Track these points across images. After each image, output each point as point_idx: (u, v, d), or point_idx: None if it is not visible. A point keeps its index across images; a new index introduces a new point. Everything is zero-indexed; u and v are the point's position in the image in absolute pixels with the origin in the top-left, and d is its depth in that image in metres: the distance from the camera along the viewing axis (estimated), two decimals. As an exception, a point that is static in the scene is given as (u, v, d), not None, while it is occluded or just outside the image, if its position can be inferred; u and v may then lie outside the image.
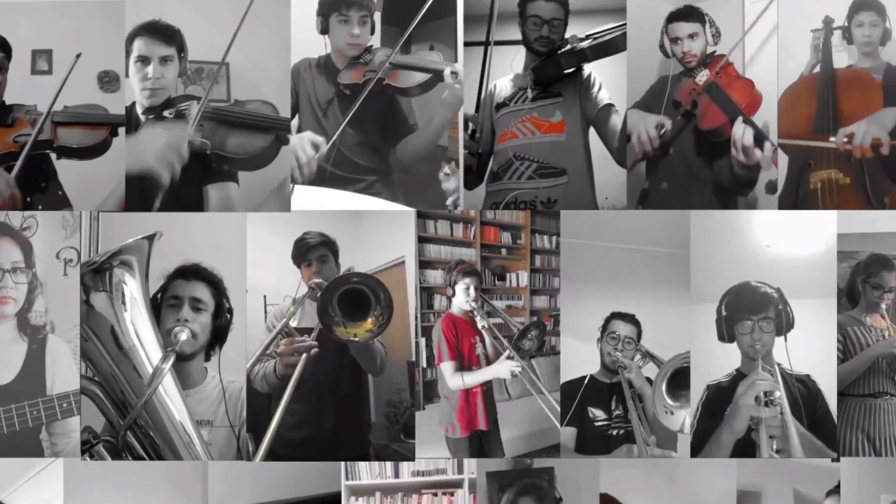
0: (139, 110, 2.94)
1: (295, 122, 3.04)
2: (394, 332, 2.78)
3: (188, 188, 2.88)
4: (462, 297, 3.17)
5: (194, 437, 2.54)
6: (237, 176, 2.98)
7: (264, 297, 3.04)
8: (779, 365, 2.72)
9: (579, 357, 3.03)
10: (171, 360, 2.47)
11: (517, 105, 3.12)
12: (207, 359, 2.76)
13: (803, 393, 2.75)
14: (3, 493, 2.78)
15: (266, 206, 2.97)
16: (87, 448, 2.56)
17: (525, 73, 3.13)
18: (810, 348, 2.85)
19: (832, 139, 2.91)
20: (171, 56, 2.93)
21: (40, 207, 2.87)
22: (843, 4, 2.99)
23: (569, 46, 3.08)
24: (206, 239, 2.88)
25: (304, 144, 2.96)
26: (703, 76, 3.00)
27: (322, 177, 3.03)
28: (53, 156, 2.90)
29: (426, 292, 3.61)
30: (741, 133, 2.88)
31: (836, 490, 2.92)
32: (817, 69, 3.01)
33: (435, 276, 3.64)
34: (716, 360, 2.85)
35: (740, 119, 2.90)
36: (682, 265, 2.94)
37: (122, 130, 2.92)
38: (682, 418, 2.84)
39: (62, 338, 2.81)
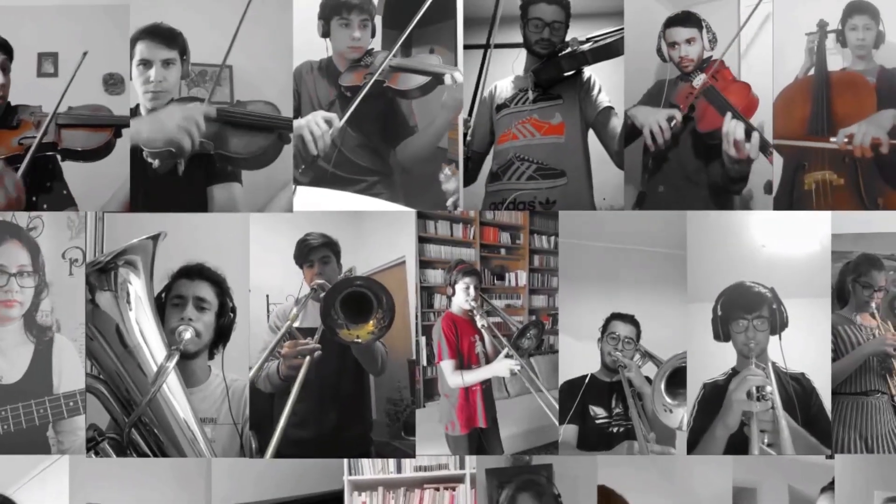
0: (143, 112, 2.94)
1: (296, 125, 3.04)
2: (394, 330, 2.78)
3: (192, 189, 2.88)
4: (462, 297, 3.17)
5: (198, 435, 2.55)
6: (240, 176, 2.98)
7: (267, 296, 3.04)
8: (773, 363, 2.73)
9: (577, 356, 3.04)
10: (176, 358, 2.46)
11: (518, 106, 3.12)
12: (211, 357, 2.76)
13: (798, 391, 2.76)
14: (10, 489, 2.78)
15: (271, 207, 2.98)
16: (93, 445, 2.56)
17: (526, 74, 3.13)
18: (805, 347, 2.86)
19: (833, 139, 2.91)
20: (174, 59, 2.93)
21: (45, 207, 2.87)
22: (836, 8, 3.00)
23: (569, 49, 3.08)
24: (210, 239, 2.89)
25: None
26: (699, 80, 3.00)
27: (324, 177, 3.03)
28: (59, 157, 2.90)
29: (426, 292, 3.62)
30: (732, 127, 2.88)
31: (830, 487, 2.93)
32: (812, 72, 3.02)
33: (435, 276, 3.65)
34: (713, 360, 2.86)
35: (729, 115, 2.90)
36: (678, 265, 2.95)
37: (125, 131, 2.92)
38: (681, 416, 2.86)
39: (68, 336, 2.80)
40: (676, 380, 2.91)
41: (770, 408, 2.59)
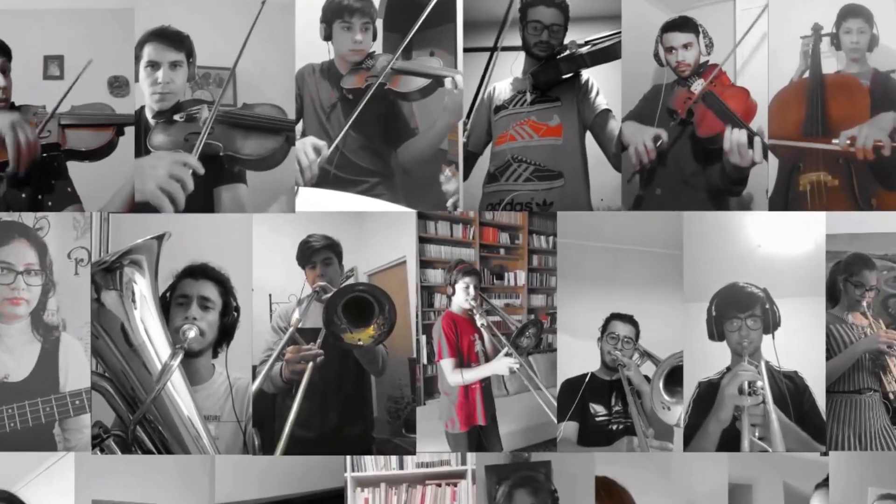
0: (149, 114, 2.95)
1: (299, 127, 3.05)
2: (395, 329, 2.78)
3: (199, 190, 2.88)
4: (462, 296, 3.18)
5: (202, 432, 2.55)
6: (245, 178, 2.99)
7: (269, 295, 3.04)
8: (767, 362, 2.74)
9: (576, 354, 3.04)
10: (180, 356, 2.48)
11: (516, 108, 3.12)
12: (215, 356, 2.77)
13: (791, 388, 2.77)
14: (17, 486, 2.78)
15: (275, 208, 2.98)
16: (98, 442, 2.56)
17: (524, 76, 3.13)
18: (799, 346, 2.87)
19: (835, 141, 2.92)
20: (181, 61, 2.93)
21: (50, 204, 2.88)
22: (831, 12, 3.00)
23: (568, 52, 3.08)
24: (214, 239, 2.89)
25: (306, 148, 2.97)
26: (697, 85, 3.01)
27: (325, 179, 3.03)
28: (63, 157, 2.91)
29: (427, 291, 3.62)
30: (735, 137, 2.89)
31: (824, 483, 2.94)
32: (806, 75, 3.03)
33: (435, 276, 3.65)
34: (709, 358, 2.87)
35: (730, 126, 2.91)
36: (675, 265, 2.96)
37: (129, 130, 2.93)
38: (678, 413, 2.88)
39: (73, 335, 2.81)
40: (674, 378, 2.92)
41: (761, 402, 2.61)
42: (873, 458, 2.93)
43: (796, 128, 3.01)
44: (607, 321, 3.07)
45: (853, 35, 2.99)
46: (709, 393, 2.77)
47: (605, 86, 3.09)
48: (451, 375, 3.16)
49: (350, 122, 2.96)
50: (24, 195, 2.85)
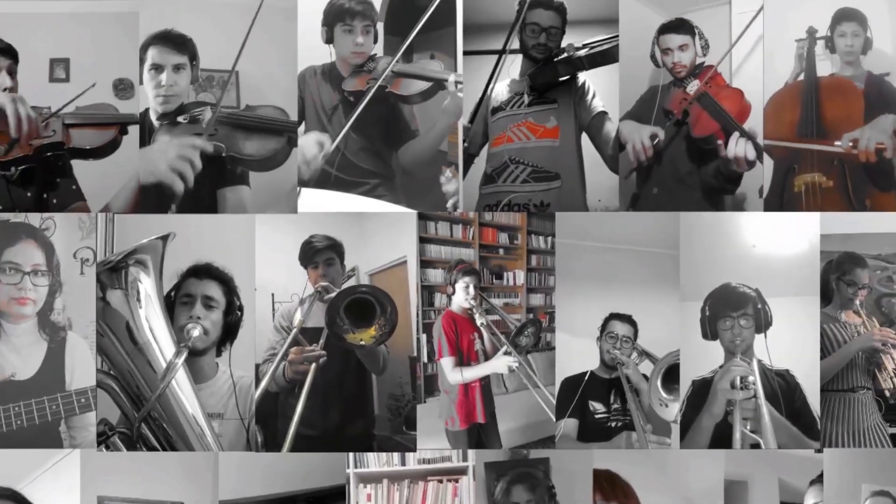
0: (153, 116, 2.96)
1: (302, 129, 3.05)
2: (397, 328, 2.80)
3: (203, 191, 2.89)
4: (461, 296, 3.19)
5: (206, 429, 2.57)
6: (249, 179, 2.99)
7: (272, 295, 3.05)
8: (759, 361, 2.76)
9: (574, 353, 3.05)
10: (184, 355, 2.49)
11: (513, 110, 3.13)
12: (219, 354, 2.78)
13: (782, 386, 2.79)
14: (23, 482, 2.78)
15: (277, 209, 2.99)
16: (103, 439, 2.58)
17: (522, 78, 3.14)
18: (793, 345, 2.88)
19: (837, 143, 2.93)
20: (184, 64, 2.94)
21: (55, 202, 2.88)
22: (825, 15, 3.01)
23: (565, 54, 3.09)
24: (218, 239, 2.90)
25: (308, 143, 2.98)
26: (693, 86, 3.01)
27: (327, 180, 3.04)
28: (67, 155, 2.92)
29: (427, 290, 3.63)
30: (742, 148, 2.91)
31: (819, 479, 2.95)
32: (801, 77, 3.03)
33: (435, 275, 3.66)
34: (705, 357, 2.89)
35: (736, 135, 2.92)
36: (672, 265, 2.96)
37: (132, 129, 2.93)
38: (676, 410, 2.89)
39: (79, 334, 2.81)
40: (672, 376, 2.94)
41: (752, 396, 2.64)
42: (867, 454, 2.94)
43: (791, 129, 3.02)
44: (606, 321, 3.08)
45: (847, 38, 3.00)
46: (703, 391, 2.79)
47: (602, 88, 3.09)
48: (451, 374, 3.16)
49: (350, 123, 2.96)
50: (29, 193, 2.86)
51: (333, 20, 3.08)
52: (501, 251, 4.10)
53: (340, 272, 3.03)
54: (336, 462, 3.04)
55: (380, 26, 3.14)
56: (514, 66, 3.15)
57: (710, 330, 2.83)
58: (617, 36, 3.00)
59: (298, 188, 2.97)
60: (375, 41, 3.12)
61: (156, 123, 2.95)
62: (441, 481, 3.17)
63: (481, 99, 3.07)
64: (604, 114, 3.09)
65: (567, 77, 3.10)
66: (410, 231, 3.10)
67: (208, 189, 2.92)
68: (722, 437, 2.71)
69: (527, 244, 4.12)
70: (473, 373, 3.16)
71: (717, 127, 2.96)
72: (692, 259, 2.95)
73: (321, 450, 2.96)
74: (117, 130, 2.92)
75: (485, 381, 3.22)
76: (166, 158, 2.82)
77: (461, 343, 3.20)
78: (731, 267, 2.92)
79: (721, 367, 2.80)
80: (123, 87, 2.97)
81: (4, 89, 2.85)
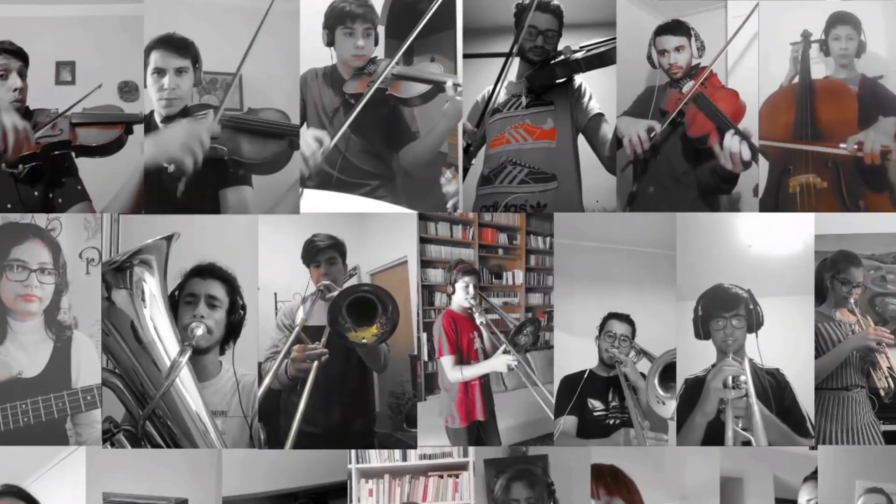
0: (157, 119, 2.96)
1: (303, 131, 3.05)
2: (397, 327, 2.81)
3: (206, 192, 2.90)
4: (461, 295, 3.20)
5: (209, 427, 2.56)
6: (251, 180, 3.00)
7: (275, 294, 3.06)
8: (750, 360, 2.77)
9: (572, 351, 3.06)
10: (188, 353, 2.49)
11: (510, 111, 3.13)
12: (222, 353, 2.78)
13: (773, 385, 2.81)
14: (28, 480, 2.79)
15: (279, 209, 3.00)
16: (109, 437, 2.57)
17: (519, 80, 3.14)
18: (788, 343, 2.90)
19: (842, 146, 2.94)
20: (186, 67, 2.94)
21: (60, 201, 2.89)
22: (820, 19, 3.02)
23: (563, 57, 3.09)
24: (221, 240, 2.91)
25: (308, 140, 2.98)
26: (688, 87, 3.02)
27: (329, 182, 3.05)
28: (73, 154, 2.92)
29: (427, 290, 3.63)
30: (736, 145, 2.91)
31: (813, 476, 2.96)
32: (796, 80, 3.05)
33: (436, 275, 3.66)
34: (701, 355, 2.90)
35: (731, 132, 2.93)
36: (669, 265, 2.97)
37: (137, 128, 2.93)
38: (672, 407, 2.90)
39: (85, 333, 2.82)
40: (668, 374, 2.94)
41: (744, 395, 2.65)
42: (860, 451, 2.95)
43: (786, 131, 3.02)
44: (605, 320, 3.08)
45: (842, 42, 3.01)
46: (695, 389, 2.81)
47: (599, 90, 3.10)
48: (451, 372, 3.17)
49: (349, 122, 2.95)
50: (36, 192, 2.87)
51: (334, 23, 3.08)
52: (500, 251, 4.10)
53: (342, 271, 3.03)
54: (338, 459, 3.04)
55: (381, 29, 3.14)
56: (511, 69, 3.15)
57: (702, 330, 2.84)
58: (614, 38, 3.01)
59: (301, 189, 2.98)
60: (376, 44, 3.12)
61: (160, 126, 2.96)
62: (442, 476, 3.18)
63: (488, 102, 3.07)
64: (600, 115, 3.11)
65: (564, 79, 3.11)
66: (411, 231, 3.11)
67: (211, 190, 2.93)
68: (714, 435, 2.74)
69: (525, 244, 4.12)
70: (473, 371, 3.17)
71: (712, 127, 2.96)
72: (688, 259, 2.96)
73: (323, 447, 2.96)
74: (122, 129, 2.93)
75: (484, 380, 3.23)
76: (177, 138, 2.83)
77: (461, 342, 3.21)
78: (726, 267, 2.93)
79: (713, 365, 2.82)
80: (128, 90, 2.98)
81: (15, 90, 2.87)
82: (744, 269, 2.92)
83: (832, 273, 2.98)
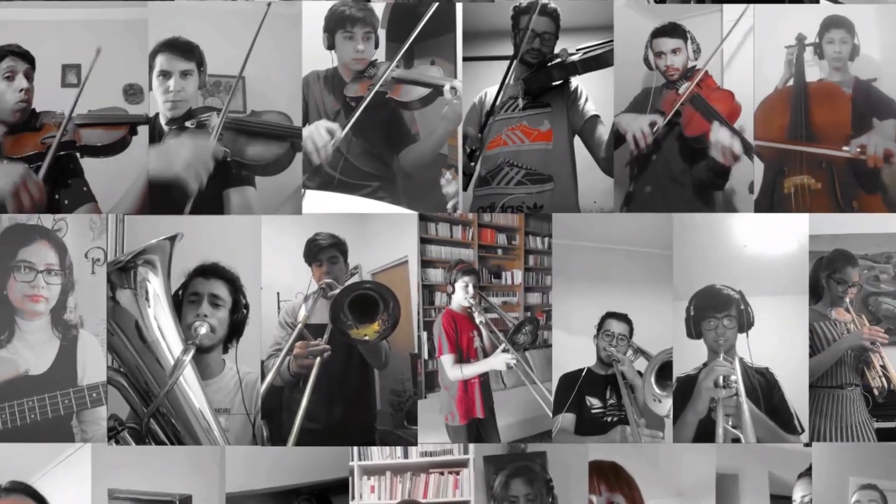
0: (162, 121, 2.97)
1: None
2: (398, 326, 2.82)
3: (209, 192, 2.91)
4: (461, 294, 3.20)
5: (213, 424, 2.59)
6: (255, 180, 3.01)
7: (277, 293, 3.06)
8: (741, 359, 2.80)
9: (570, 350, 3.06)
10: (192, 352, 2.51)
11: (508, 113, 3.14)
12: (225, 351, 2.80)
13: (762, 383, 2.84)
14: (35, 476, 2.79)
15: (282, 210, 3.00)
16: (113, 434, 2.60)
17: (516, 83, 3.13)
18: (782, 342, 2.91)
19: (845, 148, 2.96)
20: (191, 70, 2.95)
21: (66, 202, 2.90)
22: (814, 22, 3.03)
23: (559, 59, 3.10)
24: (224, 240, 2.91)
25: (320, 130, 2.98)
26: (685, 88, 3.03)
27: (330, 183, 3.05)
28: (78, 155, 2.93)
29: (428, 289, 3.63)
30: (718, 136, 2.93)
31: (807, 473, 2.97)
32: (791, 82, 3.05)
33: (436, 275, 3.66)
34: (696, 354, 2.92)
35: (717, 123, 2.95)
36: (665, 265, 2.98)
37: (141, 129, 2.95)
38: (668, 405, 2.92)
39: (90, 332, 2.83)
40: (665, 373, 2.96)
41: (734, 394, 2.70)
42: (854, 448, 2.96)
43: (781, 133, 3.03)
44: (603, 319, 3.08)
45: (835, 45, 3.02)
46: (686, 386, 2.85)
47: (596, 93, 3.11)
48: (451, 370, 3.18)
49: (350, 125, 2.96)
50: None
51: (334, 27, 3.08)
52: (500, 251, 4.10)
53: (344, 270, 3.03)
54: (339, 456, 3.05)
55: (381, 33, 3.15)
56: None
57: (694, 329, 2.87)
58: (611, 41, 3.01)
59: (303, 190, 2.99)
60: (377, 47, 3.12)
61: (165, 128, 2.97)
62: (442, 474, 3.18)
63: (492, 108, 3.07)
64: (596, 117, 3.11)
65: (560, 81, 3.12)
66: (411, 232, 3.11)
67: (214, 190, 2.93)
68: (705, 432, 2.78)
69: (524, 245, 4.12)
70: (472, 369, 3.18)
71: (708, 127, 2.97)
72: (685, 259, 2.97)
73: (324, 443, 2.96)
74: (127, 130, 2.94)
75: (484, 378, 3.24)
76: (182, 157, 2.84)
77: (461, 341, 3.21)
78: (722, 266, 2.95)
79: (705, 365, 2.85)
80: (133, 92, 2.99)
81: (21, 90, 2.89)
82: (739, 268, 2.94)
83: (828, 272, 2.99)
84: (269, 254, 2.95)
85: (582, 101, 3.13)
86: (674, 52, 3.05)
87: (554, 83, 3.12)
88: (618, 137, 3.04)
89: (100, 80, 2.91)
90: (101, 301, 2.71)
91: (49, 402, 2.72)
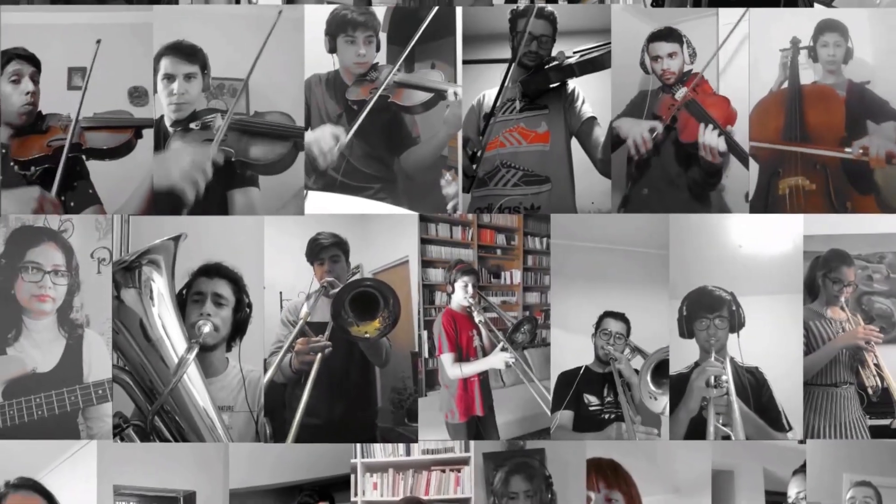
0: (167, 123, 2.98)
1: (307, 135, 3.06)
2: (399, 325, 2.83)
3: (214, 193, 2.92)
4: (461, 294, 3.21)
5: (216, 422, 2.59)
6: (258, 181, 3.02)
7: (280, 293, 3.06)
8: (731, 358, 2.84)
9: (568, 348, 3.07)
10: (195, 350, 2.52)
11: (505, 115, 3.14)
12: (228, 349, 2.81)
13: (751, 382, 2.87)
14: (42, 473, 2.81)
15: (285, 211, 3.01)
16: (119, 431, 2.61)
17: (514, 85, 3.13)
18: (777, 340, 2.92)
19: (847, 150, 2.97)
20: (195, 73, 2.96)
21: (72, 204, 2.91)
22: (808, 26, 3.04)
23: (556, 62, 3.11)
24: (228, 240, 2.92)
25: (325, 135, 2.99)
26: (681, 92, 3.04)
27: (332, 185, 3.06)
28: (84, 158, 2.95)
29: (428, 289, 3.63)
30: (713, 138, 2.95)
31: (802, 469, 2.98)
32: (785, 85, 3.06)
33: (436, 275, 3.66)
34: (692, 352, 2.93)
35: (702, 126, 2.97)
36: (662, 265, 2.99)
37: (146, 132, 2.96)
38: (664, 403, 2.94)
39: (96, 331, 2.84)
40: (661, 371, 2.97)
41: (725, 394, 2.74)
42: (848, 446, 2.97)
43: (776, 134, 3.04)
44: (601, 318, 3.09)
45: (829, 48, 3.02)
46: (678, 384, 2.88)
47: (593, 95, 3.11)
48: (451, 369, 3.19)
49: (354, 130, 2.97)
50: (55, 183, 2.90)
51: (336, 30, 3.08)
52: (499, 252, 4.10)
53: (345, 269, 3.04)
54: (341, 453, 3.05)
55: (383, 36, 3.15)
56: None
57: (686, 329, 2.90)
58: (608, 43, 3.02)
59: (305, 191, 3.00)
60: (378, 50, 3.12)
61: (170, 130, 2.98)
62: (444, 471, 3.19)
63: (492, 111, 3.07)
64: (593, 119, 3.12)
65: (558, 84, 3.13)
66: (412, 232, 3.11)
67: (219, 190, 2.95)
68: (696, 430, 2.82)
69: (523, 245, 4.12)
70: (472, 368, 3.19)
71: (702, 132, 2.98)
72: (681, 259, 2.98)
73: (326, 439, 2.97)
74: (132, 133, 2.95)
75: (483, 376, 3.24)
76: (179, 166, 2.85)
77: (460, 340, 3.22)
78: (718, 266, 2.96)
79: (696, 363, 2.88)
80: (138, 95, 3.00)
81: (27, 93, 2.90)
82: (735, 268, 2.95)
83: (824, 272, 3.00)
84: (272, 254, 2.95)
85: (579, 103, 3.14)
86: (670, 56, 3.06)
87: (551, 85, 3.12)
88: (615, 140, 3.05)
89: (105, 83, 2.92)
90: (107, 300, 2.72)
91: (56, 398, 2.73)
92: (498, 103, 3.06)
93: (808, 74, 3.05)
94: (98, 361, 2.82)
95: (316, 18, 3.06)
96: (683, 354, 2.92)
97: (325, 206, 3.03)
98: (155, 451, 2.80)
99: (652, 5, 3.19)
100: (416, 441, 3.12)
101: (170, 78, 2.94)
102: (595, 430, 3.05)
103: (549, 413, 3.02)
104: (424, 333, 3.33)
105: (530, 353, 3.30)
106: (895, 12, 3.03)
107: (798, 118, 3.03)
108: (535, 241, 4.09)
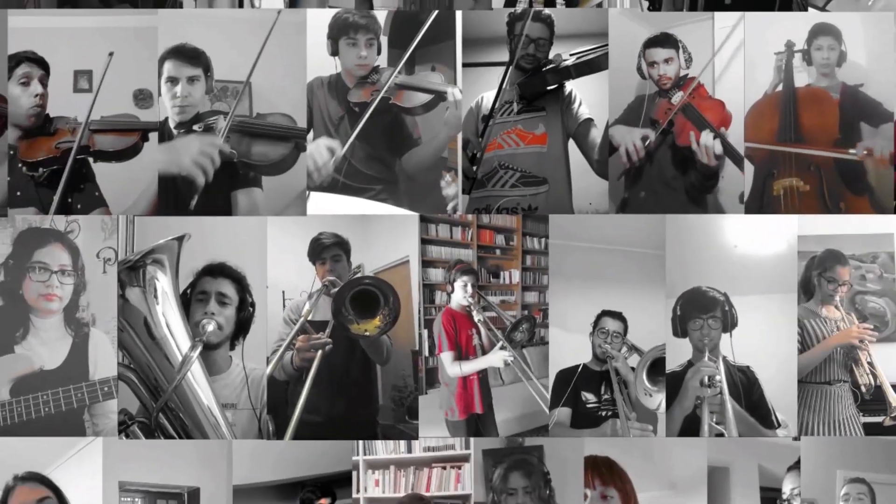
0: (171, 125, 2.99)
1: (310, 136, 3.07)
2: (399, 323, 2.83)
3: (217, 194, 2.93)
4: (460, 294, 3.22)
5: (220, 419, 2.59)
6: (261, 182, 3.03)
7: (283, 292, 3.07)
8: (724, 357, 2.85)
9: (566, 347, 3.07)
10: (199, 349, 2.52)
11: (503, 117, 3.14)
12: (232, 348, 2.81)
13: (743, 381, 2.88)
14: (49, 469, 2.81)
15: (287, 211, 3.02)
16: (124, 428, 2.61)
17: (511, 87, 3.14)
18: (771, 339, 2.93)
19: (851, 151, 2.98)
20: (198, 76, 2.96)
21: (79, 206, 2.93)
22: (803, 29, 3.04)
23: (553, 64, 3.11)
24: (231, 240, 2.92)
25: (320, 149, 3.00)
26: (677, 97, 3.05)
27: (335, 186, 3.07)
28: (90, 160, 2.95)
29: (428, 289, 3.64)
30: (709, 141, 2.96)
31: (796, 466, 2.99)
32: (780, 88, 3.07)
33: (436, 275, 3.68)
34: (688, 352, 2.94)
35: (695, 132, 2.99)
36: (658, 264, 3.00)
37: (153, 135, 2.97)
38: (659, 400, 2.95)
39: (102, 329, 2.84)
40: (656, 369, 2.98)
41: (718, 393, 2.76)
42: (842, 442, 2.97)
43: (770, 136, 3.05)
44: (599, 317, 3.09)
45: (823, 51, 3.03)
46: (672, 383, 2.90)
47: (591, 99, 3.12)
48: (451, 367, 3.19)
49: (356, 133, 2.98)
50: (55, 197, 2.91)
51: (338, 33, 3.08)
52: (498, 252, 4.12)
53: (347, 268, 3.05)
54: (343, 449, 3.06)
55: (384, 39, 3.15)
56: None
57: (680, 329, 2.91)
58: (604, 45, 3.02)
59: (308, 192, 3.00)
60: (379, 53, 3.13)
61: (174, 132, 2.99)
62: (445, 468, 3.20)
63: (490, 113, 3.07)
64: (589, 121, 3.13)
65: (555, 86, 3.13)
66: (413, 233, 3.12)
67: (223, 192, 2.96)
68: (691, 427, 2.84)
69: (522, 245, 4.13)
70: (471, 366, 3.20)
71: (699, 136, 2.99)
72: (677, 259, 2.98)
73: (327, 436, 2.98)
74: (139, 137, 2.96)
75: (482, 374, 3.25)
76: (189, 153, 2.86)
77: (460, 338, 3.23)
78: (713, 266, 2.96)
79: (689, 362, 2.90)
80: (143, 97, 3.01)
81: (36, 95, 2.91)
82: (730, 268, 2.96)
83: (819, 271, 3.00)
84: (275, 254, 2.96)
85: (576, 104, 3.14)
86: (666, 61, 3.06)
87: (548, 87, 3.13)
88: (612, 144, 3.06)
89: (111, 85, 2.93)
90: (112, 299, 2.73)
91: (63, 395, 2.74)
92: (496, 105, 3.07)
93: (803, 77, 3.06)
94: (104, 359, 2.82)
95: (318, 22, 3.07)
96: (677, 353, 2.93)
97: (327, 206, 3.03)
98: (159, 447, 2.80)
99: (648, 9, 3.20)
100: (416, 438, 3.13)
101: (173, 81, 2.95)
102: (592, 427, 3.05)
103: (547, 410, 3.03)
104: (425, 332, 3.34)
105: (529, 352, 3.31)
106: (888, 16, 3.03)
107: (792, 120, 3.03)
108: (534, 242, 4.11)
